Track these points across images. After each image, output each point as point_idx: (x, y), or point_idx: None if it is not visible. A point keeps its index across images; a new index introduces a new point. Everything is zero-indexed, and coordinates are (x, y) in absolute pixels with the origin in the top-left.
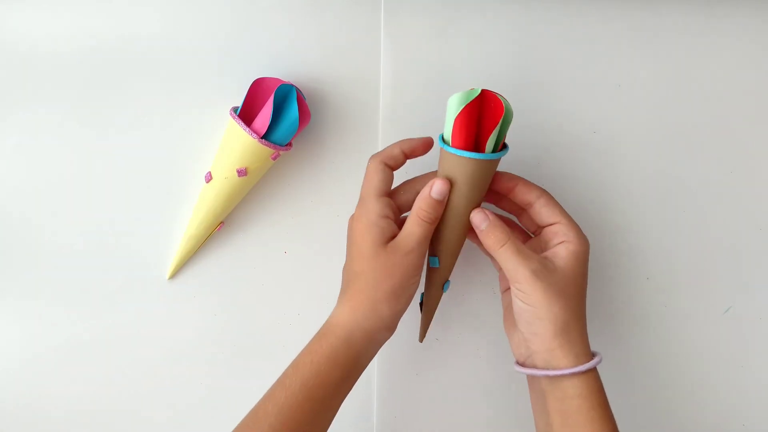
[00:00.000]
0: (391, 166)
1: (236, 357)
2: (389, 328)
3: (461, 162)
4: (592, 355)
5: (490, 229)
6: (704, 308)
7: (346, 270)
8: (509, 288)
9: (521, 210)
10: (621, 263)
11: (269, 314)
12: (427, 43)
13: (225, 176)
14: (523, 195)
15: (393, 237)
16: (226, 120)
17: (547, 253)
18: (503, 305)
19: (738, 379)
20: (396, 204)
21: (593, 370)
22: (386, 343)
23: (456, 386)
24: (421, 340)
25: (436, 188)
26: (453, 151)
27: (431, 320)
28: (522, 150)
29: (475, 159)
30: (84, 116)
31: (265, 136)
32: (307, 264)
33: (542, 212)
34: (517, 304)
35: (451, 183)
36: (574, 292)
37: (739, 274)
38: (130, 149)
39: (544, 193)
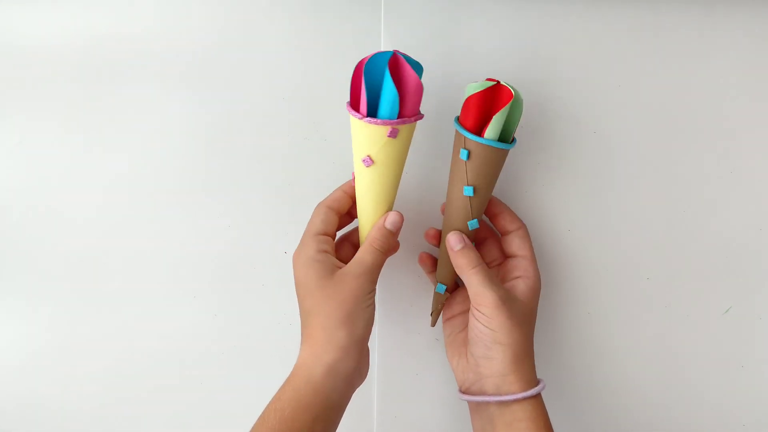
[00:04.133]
0: (336, 209)
1: (236, 357)
2: (353, 357)
3: (477, 145)
4: (537, 381)
5: (464, 251)
6: (704, 308)
7: (301, 313)
8: (454, 316)
9: (493, 237)
10: (621, 263)
11: (269, 314)
12: (426, 43)
13: (357, 171)
14: (505, 222)
15: (335, 270)
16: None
17: (506, 285)
18: (445, 334)
19: (738, 379)
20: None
21: (539, 396)
22: (386, 343)
23: (456, 386)
24: (432, 325)
25: (389, 219)
26: (469, 135)
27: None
28: (522, 150)
29: (493, 146)
30: (83, 117)
31: (373, 115)
32: None
33: (514, 242)
34: (478, 327)
35: (402, 217)
36: (528, 324)
37: (739, 274)
38: (129, 150)
39: (522, 226)
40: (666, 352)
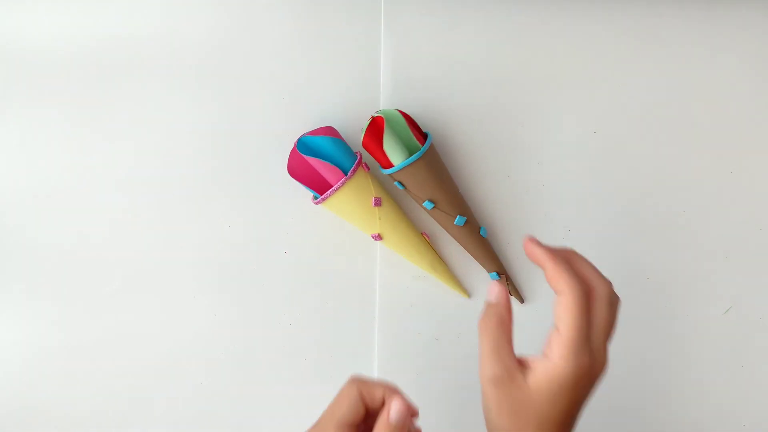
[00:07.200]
0: (366, 401)
1: (236, 357)
2: None
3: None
4: None
5: (488, 307)
6: (704, 308)
7: None
8: None
9: None
10: (621, 263)
11: (269, 314)
12: (427, 43)
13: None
14: (549, 280)
15: None
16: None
17: (533, 361)
18: None
19: (738, 379)
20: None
21: None
22: (386, 342)
23: (456, 386)
24: (521, 301)
25: (393, 413)
26: (384, 171)
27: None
28: (522, 150)
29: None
30: (84, 117)
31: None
32: (307, 264)
33: (555, 308)
34: (482, 397)
35: (405, 405)
36: (533, 420)
37: (739, 274)
38: (129, 150)
39: (566, 291)
40: (666, 352)
